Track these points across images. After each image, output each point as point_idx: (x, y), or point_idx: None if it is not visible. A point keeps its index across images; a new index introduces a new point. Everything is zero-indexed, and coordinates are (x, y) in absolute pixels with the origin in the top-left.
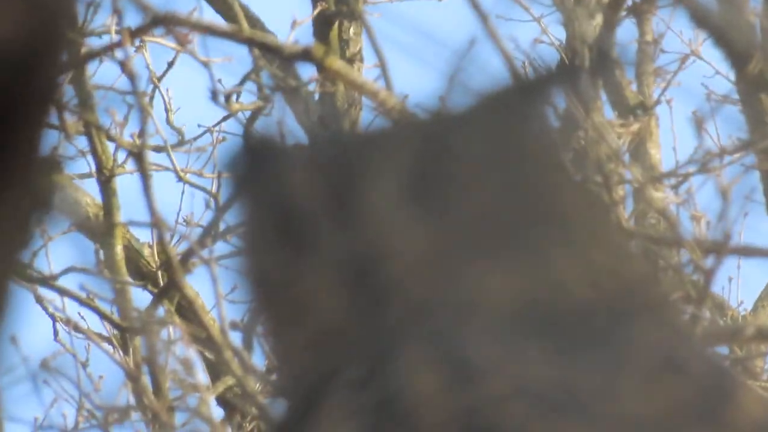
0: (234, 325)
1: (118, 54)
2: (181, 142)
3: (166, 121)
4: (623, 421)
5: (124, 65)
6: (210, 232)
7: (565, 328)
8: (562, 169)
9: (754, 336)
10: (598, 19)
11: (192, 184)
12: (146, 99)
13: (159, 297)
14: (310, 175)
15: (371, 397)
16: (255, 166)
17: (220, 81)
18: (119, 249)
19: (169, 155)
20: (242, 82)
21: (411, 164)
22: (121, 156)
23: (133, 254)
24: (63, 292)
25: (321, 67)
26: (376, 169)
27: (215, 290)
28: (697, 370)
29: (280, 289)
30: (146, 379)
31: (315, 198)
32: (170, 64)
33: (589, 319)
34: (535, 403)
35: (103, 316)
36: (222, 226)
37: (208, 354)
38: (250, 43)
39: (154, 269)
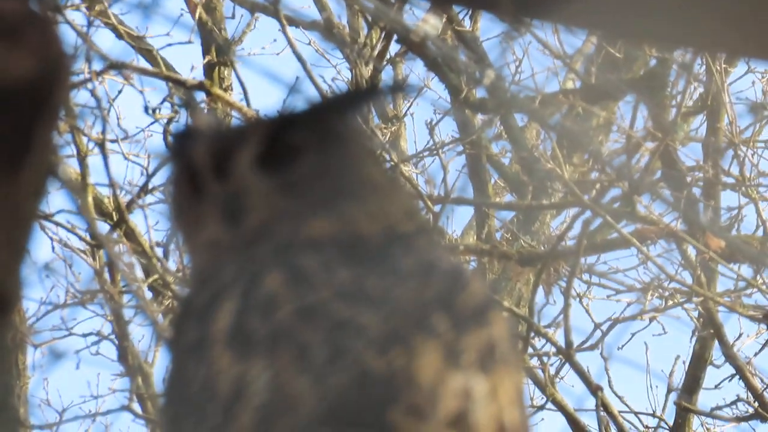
0: (158, 244)
1: (89, 84)
2: (126, 137)
3: (117, 124)
4: (399, 307)
5: (92, 91)
6: (142, 190)
7: (361, 251)
8: (367, 153)
9: (463, 251)
10: (371, 65)
11: (132, 161)
12: (105, 111)
13: (114, 227)
14: (204, 152)
15: (246, 297)
16: (178, 146)
17: (148, 102)
18: (90, 199)
19: (119, 144)
20: (162, 101)
21: (263, 146)
22: (91, 145)
23: (98, 202)
24: (57, 224)
25: (209, 93)
26: (241, 149)
27: (147, 223)
28: (447, 269)
29: (187, 215)
30: (107, 274)
31: (207, 165)
32: (119, 91)
33: (378, 243)
34: (344, 298)
35: (81, 237)
36: (150, 186)
37: (142, 260)
38: (167, 79)
39: (111, 210)
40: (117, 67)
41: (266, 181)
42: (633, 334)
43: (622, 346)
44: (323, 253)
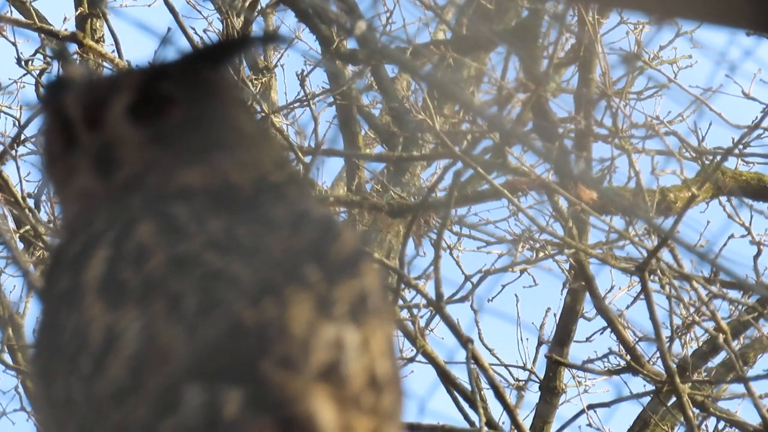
0: (30, 195)
1: None
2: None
3: None
4: (271, 257)
5: None
6: (14, 141)
7: (232, 200)
8: (238, 103)
9: (333, 202)
10: (242, 17)
11: (4, 112)
12: None
13: None
14: (76, 102)
15: (118, 246)
16: (50, 96)
17: (21, 53)
18: None
19: None
20: (35, 53)
21: (134, 97)
22: None
23: None
24: None
25: (81, 45)
26: (112, 100)
27: (19, 174)
28: (318, 219)
29: (59, 165)
30: None
31: (79, 115)
32: None
33: (248, 193)
34: (215, 247)
35: None
36: (22, 137)
37: (14, 211)
38: (39, 30)
39: None
40: None
41: (138, 132)
42: (504, 286)
43: (493, 298)
44: (194, 203)
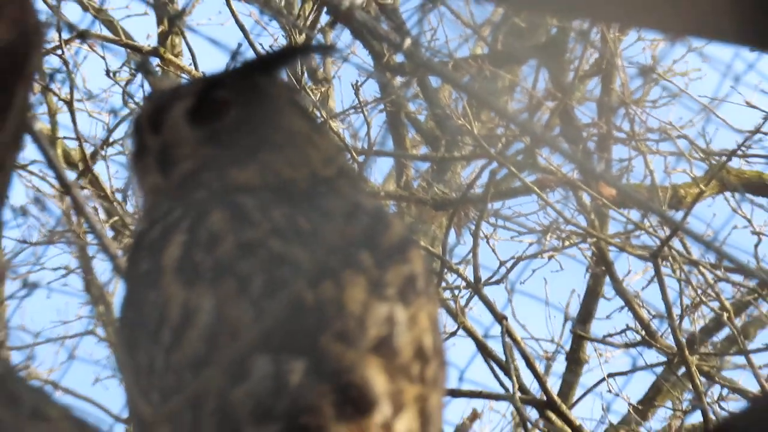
0: (118, 190)
1: (59, 51)
2: (90, 97)
3: (82, 86)
4: (328, 243)
5: (61, 57)
6: (104, 143)
7: (289, 194)
8: (291, 106)
9: (383, 197)
10: (304, 34)
11: (95, 118)
12: (72, 75)
13: (80, 175)
14: (145, 109)
15: (193, 232)
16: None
17: (109, 66)
18: (59, 151)
19: (84, 103)
20: (122, 66)
21: (193, 102)
22: (60, 104)
23: (66, 154)
24: (31, 173)
25: (162, 58)
26: (173, 105)
27: (108, 172)
28: (370, 210)
29: (137, 165)
30: (73, 217)
31: (146, 120)
32: (85, 57)
33: (303, 187)
34: (278, 234)
35: (51, 185)
36: (111, 140)
37: (104, 204)
38: (125, 45)
39: (77, 161)
40: (82, 36)
41: (195, 133)
42: (534, 271)
43: (524, 281)
44: (257, 196)
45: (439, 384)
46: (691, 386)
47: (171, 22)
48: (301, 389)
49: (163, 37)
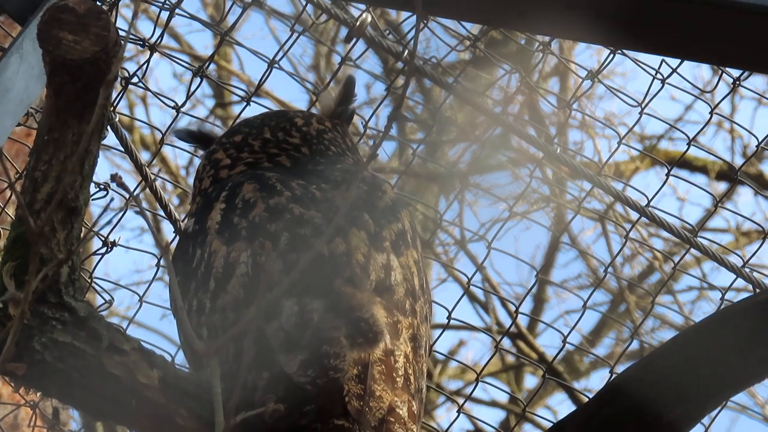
0: (183, 167)
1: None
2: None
3: (156, 84)
4: (333, 207)
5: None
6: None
7: (300, 169)
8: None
9: (389, 172)
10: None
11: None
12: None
13: (153, 156)
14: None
15: (229, 201)
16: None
17: (175, 70)
18: (137, 137)
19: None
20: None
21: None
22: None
23: (141, 138)
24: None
25: (216, 64)
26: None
27: (174, 152)
28: (368, 179)
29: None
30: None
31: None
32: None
33: (308, 162)
34: (297, 200)
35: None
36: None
37: (171, 180)
38: (189, 54)
39: (150, 145)
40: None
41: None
42: (508, 230)
43: (500, 238)
44: (278, 172)
45: (427, 318)
46: (629, 321)
47: (222, 37)
48: (322, 322)
49: (217, 47)
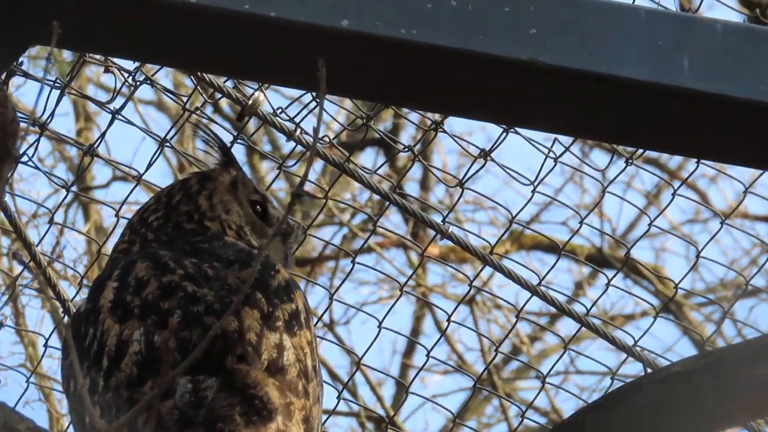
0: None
1: None
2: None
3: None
4: (225, 285)
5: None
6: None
7: (194, 248)
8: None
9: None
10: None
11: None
12: None
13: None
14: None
15: (122, 279)
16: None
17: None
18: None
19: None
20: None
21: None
22: None
23: None
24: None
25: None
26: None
27: None
28: (262, 259)
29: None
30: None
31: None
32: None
33: (202, 241)
34: (190, 279)
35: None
36: None
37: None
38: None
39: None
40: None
41: None
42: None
43: (365, 323)
44: (172, 250)
45: (320, 398)
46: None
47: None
48: (216, 401)
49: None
